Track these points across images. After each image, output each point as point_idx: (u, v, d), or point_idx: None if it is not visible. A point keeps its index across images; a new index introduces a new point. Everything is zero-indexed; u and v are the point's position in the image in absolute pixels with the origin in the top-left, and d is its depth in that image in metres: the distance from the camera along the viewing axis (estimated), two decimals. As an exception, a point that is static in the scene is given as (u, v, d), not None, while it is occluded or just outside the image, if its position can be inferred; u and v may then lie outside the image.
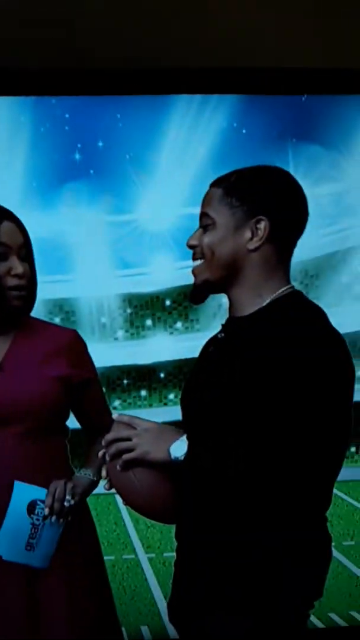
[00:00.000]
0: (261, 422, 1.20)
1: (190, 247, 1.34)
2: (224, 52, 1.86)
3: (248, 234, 1.28)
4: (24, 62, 1.82)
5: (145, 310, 2.20)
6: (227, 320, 1.36)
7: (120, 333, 2.18)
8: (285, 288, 1.31)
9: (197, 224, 1.34)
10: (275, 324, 1.25)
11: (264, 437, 1.19)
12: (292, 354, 1.20)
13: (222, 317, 1.36)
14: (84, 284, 2.15)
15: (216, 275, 1.31)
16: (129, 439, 1.25)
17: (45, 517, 1.41)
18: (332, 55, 1.96)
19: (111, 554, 2.23)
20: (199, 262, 1.33)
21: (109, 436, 1.27)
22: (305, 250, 2.15)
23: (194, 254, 1.34)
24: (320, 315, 1.29)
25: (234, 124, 2.07)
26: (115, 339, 2.17)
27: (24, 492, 1.42)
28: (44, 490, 1.42)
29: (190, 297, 1.38)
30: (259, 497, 1.20)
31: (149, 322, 2.19)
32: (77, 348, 1.55)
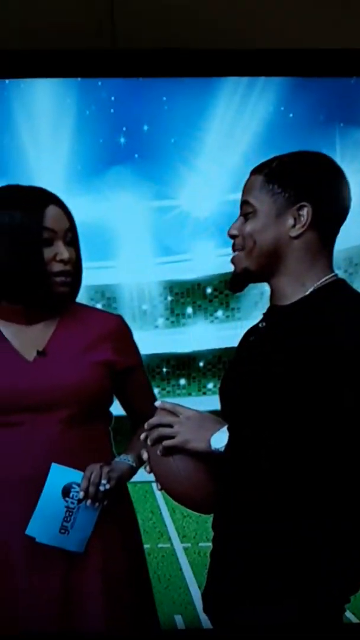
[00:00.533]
0: (303, 411, 1.18)
1: (232, 236, 1.33)
2: (270, 34, 1.82)
3: (290, 221, 1.26)
4: (68, 43, 1.81)
5: (186, 297, 2.19)
6: (269, 309, 1.34)
7: (160, 320, 2.17)
8: (328, 276, 1.28)
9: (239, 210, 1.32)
10: (319, 313, 1.23)
11: (305, 426, 1.18)
12: (336, 342, 1.18)
13: (264, 306, 1.33)
14: (125, 270, 2.15)
15: (257, 264, 1.29)
16: (170, 426, 1.25)
17: (80, 501, 1.40)
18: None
19: (147, 543, 2.23)
20: (238, 252, 1.31)
21: (152, 421, 1.27)
22: (349, 238, 2.11)
23: (233, 244, 1.33)
24: None
25: (281, 108, 2.04)
26: (156, 326, 2.16)
27: (59, 475, 1.42)
28: (80, 474, 1.41)
29: (229, 286, 1.36)
30: (299, 487, 1.19)
31: (189, 310, 2.18)
32: (122, 334, 1.53)
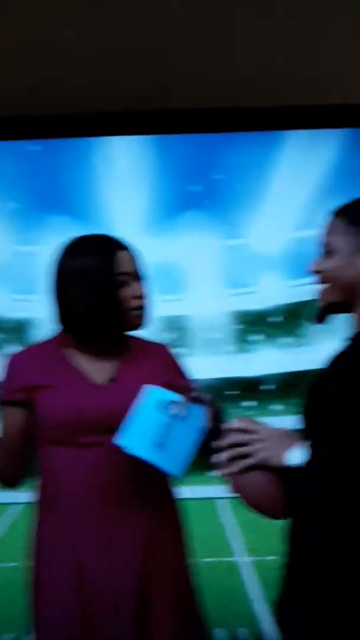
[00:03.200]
0: None
1: (313, 272, 1.41)
2: (327, 89, 1.93)
3: None
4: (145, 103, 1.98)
5: (254, 326, 2.31)
6: (354, 335, 1.40)
7: (230, 347, 2.29)
8: None
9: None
10: None
11: None
12: None
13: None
14: (199, 302, 2.28)
15: (339, 298, 1.39)
16: (248, 444, 1.27)
17: (175, 414, 1.38)
18: None
19: (212, 556, 2.32)
20: (322, 286, 1.40)
21: (231, 439, 1.27)
22: None
23: (318, 279, 1.40)
24: None
25: (340, 157, 2.16)
26: (227, 352, 2.28)
27: (155, 393, 1.40)
28: (178, 396, 1.40)
29: (315, 318, 1.44)
30: None
31: (257, 337, 2.30)
32: (173, 359, 1.65)
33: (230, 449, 1.26)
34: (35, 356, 1.60)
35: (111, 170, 2.20)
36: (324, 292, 1.40)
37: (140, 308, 1.58)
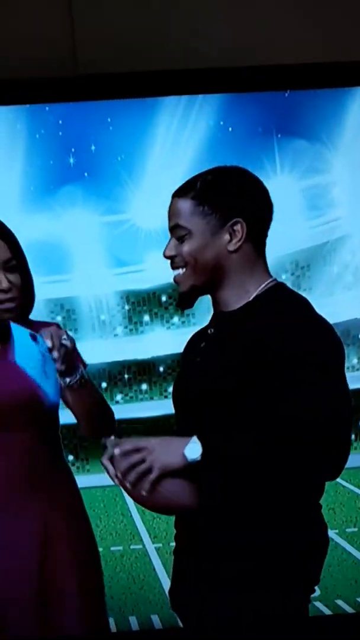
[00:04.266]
0: (259, 411, 1.25)
1: (168, 257, 1.39)
2: (205, 52, 1.92)
3: (226, 237, 1.34)
4: (16, 72, 1.87)
5: (143, 306, 2.27)
6: (215, 316, 1.41)
7: (119, 329, 2.24)
8: (269, 281, 1.38)
9: None
10: (264, 315, 1.32)
11: (261, 425, 1.24)
12: (284, 344, 1.25)
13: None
14: (82, 283, 2.21)
15: (202, 280, 1.37)
16: (142, 461, 1.26)
17: (50, 350, 1.41)
18: (313, 50, 2.02)
19: (119, 545, 2.28)
20: (180, 270, 1.38)
21: (122, 466, 1.25)
22: (295, 241, 2.23)
23: (173, 263, 1.39)
24: (306, 305, 1.36)
25: (220, 122, 2.14)
26: (115, 335, 2.23)
27: (19, 331, 1.43)
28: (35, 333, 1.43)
29: (178, 304, 1.44)
30: (263, 486, 1.25)
31: (146, 317, 2.25)
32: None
33: (126, 475, 1.25)
34: None
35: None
36: (184, 277, 1.38)
37: (7, 301, 1.51)
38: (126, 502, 2.29)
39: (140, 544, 2.33)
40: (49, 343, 1.41)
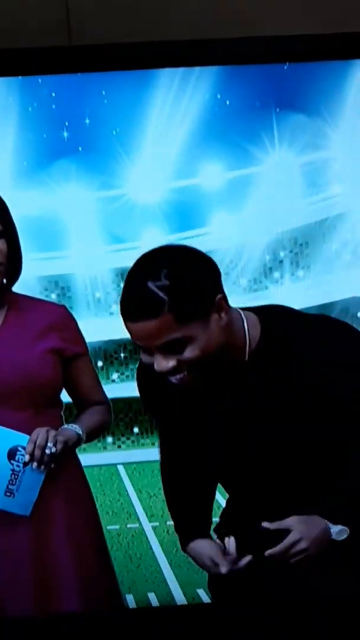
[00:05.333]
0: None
1: (166, 371, 1.28)
2: (203, 23, 1.88)
3: (216, 317, 1.28)
4: (6, 42, 1.83)
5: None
6: (224, 368, 1.34)
7: (115, 307, 2.21)
8: (244, 314, 1.35)
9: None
10: (277, 352, 1.32)
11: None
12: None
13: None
14: (77, 259, 2.18)
15: (212, 365, 1.30)
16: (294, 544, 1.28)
17: (25, 464, 1.42)
18: (313, 21, 1.98)
19: (116, 523, 2.28)
20: (181, 375, 1.29)
21: (278, 550, 1.28)
22: (294, 218, 2.19)
23: (171, 373, 1.28)
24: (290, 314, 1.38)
25: (218, 96, 2.09)
26: (111, 313, 2.20)
27: (4, 437, 1.43)
28: (26, 437, 1.44)
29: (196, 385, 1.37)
30: None
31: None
32: (68, 323, 1.59)
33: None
34: None
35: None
36: (189, 378, 1.29)
37: None
38: (122, 481, 2.29)
39: (137, 522, 2.34)
40: (26, 457, 1.42)
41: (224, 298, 1.31)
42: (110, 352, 2.23)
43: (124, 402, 2.09)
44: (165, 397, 1.39)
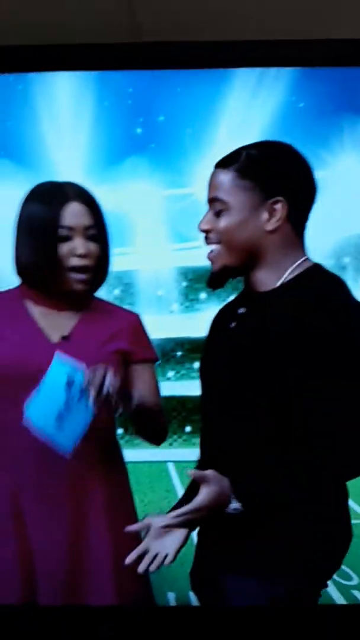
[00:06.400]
0: (292, 392, 1.22)
1: (203, 231, 1.34)
2: (282, 25, 1.86)
3: (265, 216, 1.28)
4: (86, 37, 1.86)
5: (200, 283, 2.24)
6: (247, 296, 1.36)
7: (175, 306, 2.22)
8: (302, 260, 1.32)
9: None
10: (300, 298, 1.27)
11: (294, 406, 1.22)
12: (320, 325, 1.22)
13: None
14: (142, 256, 2.19)
15: (236, 260, 1.31)
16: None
17: (80, 394, 1.38)
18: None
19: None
20: (214, 247, 1.33)
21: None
22: (359, 224, 2.14)
23: (207, 239, 1.34)
24: (343, 287, 1.31)
25: (292, 98, 2.08)
26: (171, 311, 2.21)
27: (65, 366, 1.40)
28: (82, 370, 1.39)
29: (208, 284, 1.38)
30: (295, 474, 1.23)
31: (203, 295, 2.22)
32: (139, 330, 1.61)
33: None
34: None
35: (51, 110, 2.05)
36: (217, 255, 1.32)
37: (82, 269, 1.49)
38: (171, 478, 2.29)
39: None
40: (84, 385, 1.37)
41: (288, 212, 1.28)
42: (168, 350, 2.23)
43: (178, 401, 2.10)
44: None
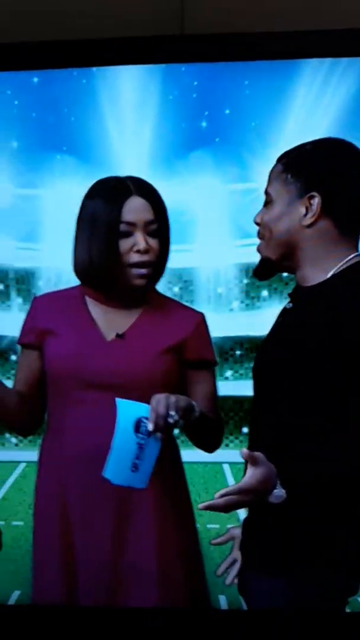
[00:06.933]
0: (333, 387, 1.23)
1: (256, 224, 1.35)
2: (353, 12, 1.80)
3: (302, 210, 1.29)
4: (148, 30, 1.84)
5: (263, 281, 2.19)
6: (296, 291, 1.35)
7: (235, 303, 2.18)
8: (351, 257, 1.29)
9: None
10: (342, 296, 1.26)
11: (333, 402, 1.23)
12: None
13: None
14: (203, 253, 2.16)
15: (275, 253, 1.34)
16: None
17: (150, 433, 1.39)
18: None
19: (216, 523, 2.25)
20: (261, 240, 1.34)
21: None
22: None
23: (258, 232, 1.34)
24: None
25: (360, 89, 1.99)
26: (230, 309, 2.17)
27: (128, 410, 1.41)
28: (146, 407, 1.40)
29: (253, 273, 1.38)
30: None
31: (265, 293, 2.17)
32: (201, 331, 1.61)
33: None
34: (55, 300, 1.55)
35: (115, 104, 2.04)
36: (262, 248, 1.33)
37: (143, 265, 1.49)
38: (227, 480, 2.26)
39: (236, 523, 2.30)
40: (150, 426, 1.38)
41: (327, 208, 1.25)
42: (227, 349, 2.19)
43: (235, 401, 2.06)
44: None
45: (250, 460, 1.25)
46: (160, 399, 1.39)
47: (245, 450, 1.27)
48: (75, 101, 2.03)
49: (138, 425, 1.40)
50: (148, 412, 1.40)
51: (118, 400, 1.42)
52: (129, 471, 1.41)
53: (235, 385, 2.17)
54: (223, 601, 2.12)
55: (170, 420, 1.39)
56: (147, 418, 1.40)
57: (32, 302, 1.60)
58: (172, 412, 1.39)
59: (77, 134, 2.05)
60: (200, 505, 1.28)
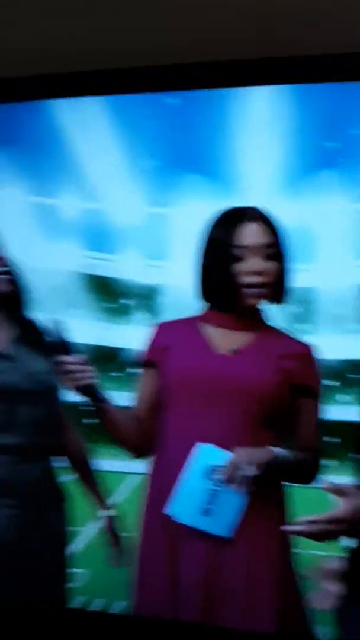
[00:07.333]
0: None
1: None
2: None
3: None
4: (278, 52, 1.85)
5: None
6: None
7: (353, 325, 2.12)
8: None
9: None
10: None
11: None
12: None
13: None
14: (324, 273, 2.12)
15: None
16: None
17: (223, 483, 1.40)
18: None
19: (322, 549, 2.19)
20: None
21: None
22: None
23: None
24: None
25: None
26: (351, 331, 2.11)
27: (207, 455, 1.43)
28: (227, 455, 1.42)
29: None
30: None
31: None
32: (308, 359, 1.61)
33: None
34: (172, 324, 1.65)
35: (246, 125, 2.07)
36: None
37: (257, 286, 1.53)
38: (328, 505, 2.20)
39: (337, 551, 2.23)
40: (222, 477, 1.39)
41: None
42: (344, 372, 2.14)
43: (350, 426, 1.99)
44: None
45: (336, 494, 1.24)
46: (240, 451, 1.43)
47: (328, 484, 1.25)
48: (208, 122, 2.08)
49: (213, 471, 1.42)
50: (226, 461, 1.41)
51: (198, 444, 1.44)
52: (200, 514, 1.41)
53: (354, 410, 2.10)
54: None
55: (245, 474, 1.39)
56: (223, 467, 1.42)
57: (152, 327, 1.67)
58: (251, 468, 1.40)
59: (208, 154, 2.10)
60: (287, 528, 1.26)
